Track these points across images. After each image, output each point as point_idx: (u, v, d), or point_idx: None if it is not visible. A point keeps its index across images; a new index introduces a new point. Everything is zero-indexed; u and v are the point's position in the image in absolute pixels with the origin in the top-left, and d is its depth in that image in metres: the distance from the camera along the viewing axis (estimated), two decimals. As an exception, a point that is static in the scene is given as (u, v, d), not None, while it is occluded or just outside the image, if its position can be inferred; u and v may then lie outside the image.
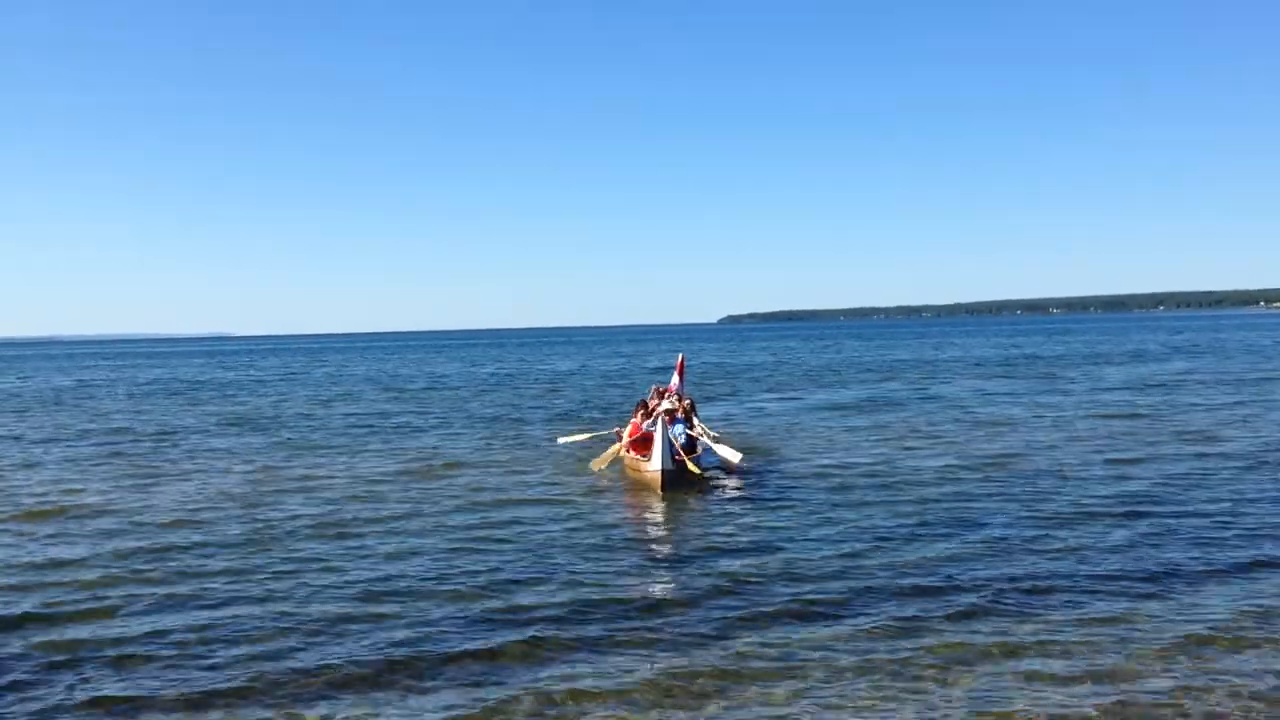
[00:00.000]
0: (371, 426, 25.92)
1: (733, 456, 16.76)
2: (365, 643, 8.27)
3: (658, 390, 19.33)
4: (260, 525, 13.07)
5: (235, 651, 8.12)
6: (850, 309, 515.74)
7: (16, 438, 25.09)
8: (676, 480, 15.11)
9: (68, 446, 22.83)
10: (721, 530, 12.47)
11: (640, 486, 15.54)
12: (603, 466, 16.92)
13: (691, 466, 15.80)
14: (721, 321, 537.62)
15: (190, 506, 14.55)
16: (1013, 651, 7.85)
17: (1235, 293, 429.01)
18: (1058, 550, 10.86)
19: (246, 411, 32.02)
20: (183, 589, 10.02)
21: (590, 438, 19.32)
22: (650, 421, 16.51)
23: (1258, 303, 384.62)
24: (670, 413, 16.94)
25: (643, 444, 16.42)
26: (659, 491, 14.79)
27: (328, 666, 7.74)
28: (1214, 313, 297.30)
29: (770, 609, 9.00)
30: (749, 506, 13.89)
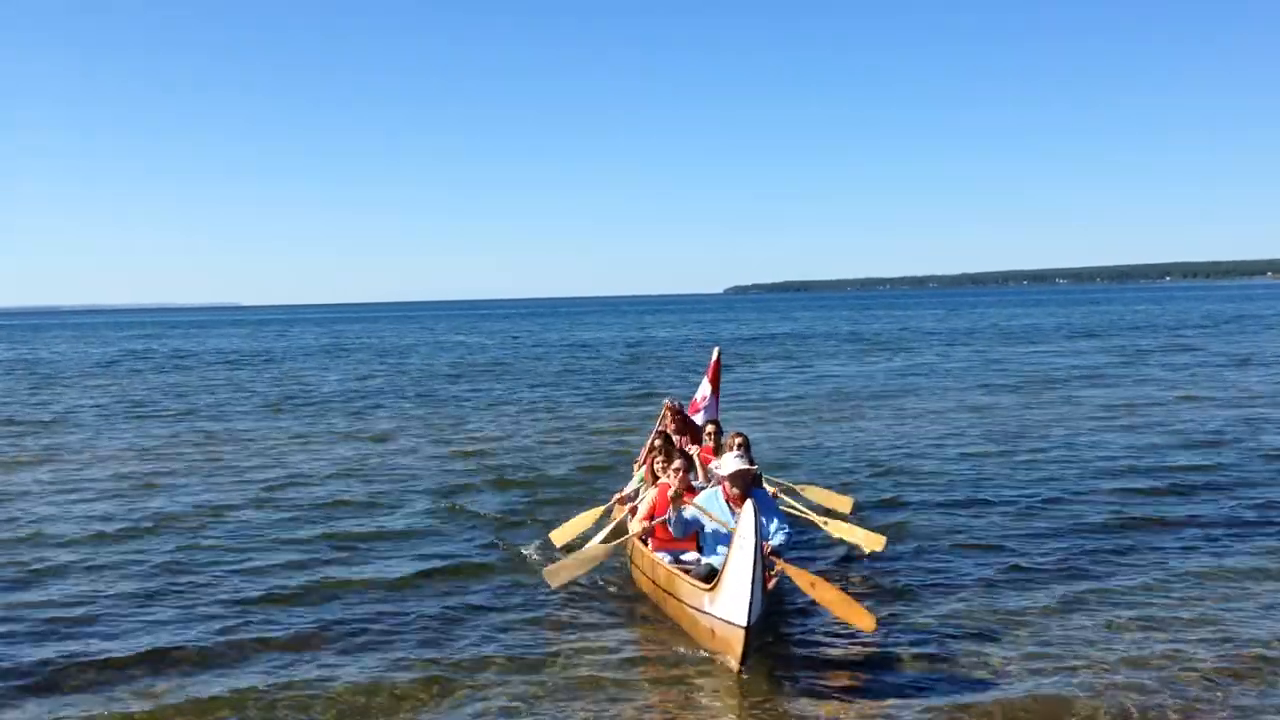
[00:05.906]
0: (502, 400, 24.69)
1: (861, 538, 9.26)
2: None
3: (673, 411, 10.85)
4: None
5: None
6: (856, 279, 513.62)
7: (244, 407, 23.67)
8: (761, 634, 6.95)
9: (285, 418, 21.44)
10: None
11: (669, 623, 7.71)
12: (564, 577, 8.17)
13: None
14: (727, 292, 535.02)
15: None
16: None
17: (1242, 263, 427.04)
18: None
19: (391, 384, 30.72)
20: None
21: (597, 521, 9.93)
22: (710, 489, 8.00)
23: (1264, 273, 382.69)
24: (743, 477, 7.67)
25: (675, 534, 7.88)
26: (735, 665, 6.66)
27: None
28: (1228, 283, 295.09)
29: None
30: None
